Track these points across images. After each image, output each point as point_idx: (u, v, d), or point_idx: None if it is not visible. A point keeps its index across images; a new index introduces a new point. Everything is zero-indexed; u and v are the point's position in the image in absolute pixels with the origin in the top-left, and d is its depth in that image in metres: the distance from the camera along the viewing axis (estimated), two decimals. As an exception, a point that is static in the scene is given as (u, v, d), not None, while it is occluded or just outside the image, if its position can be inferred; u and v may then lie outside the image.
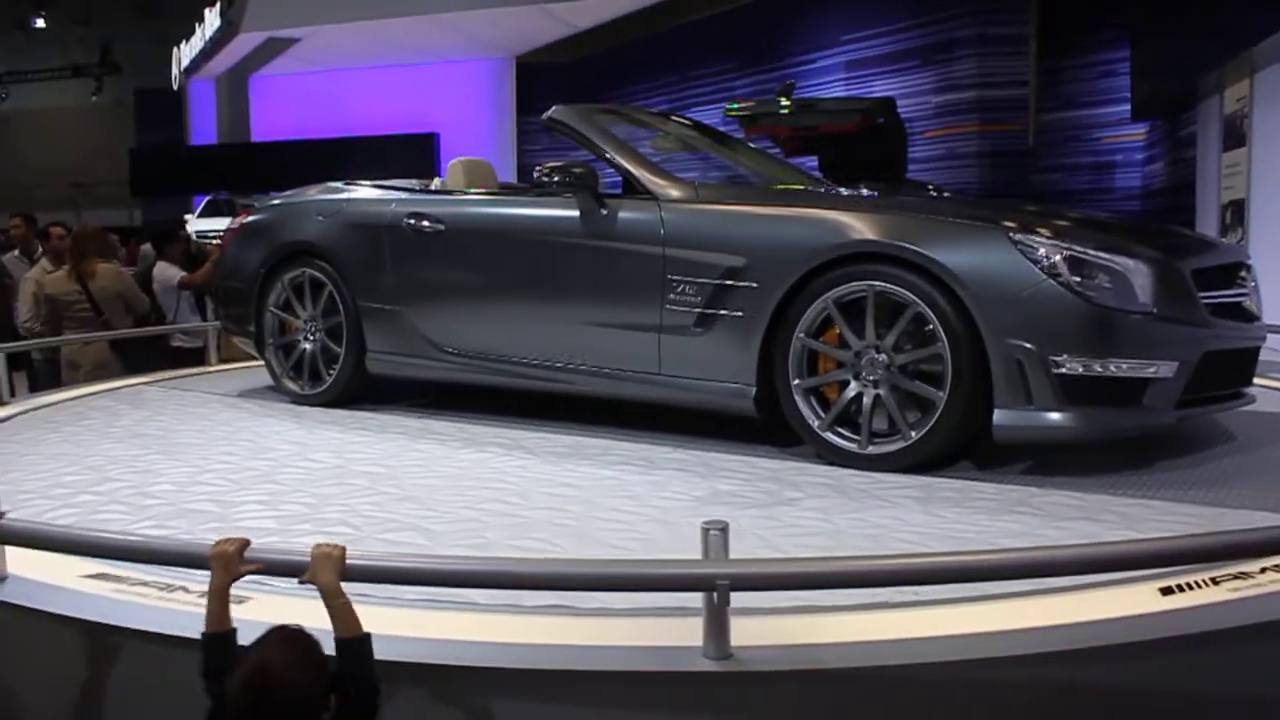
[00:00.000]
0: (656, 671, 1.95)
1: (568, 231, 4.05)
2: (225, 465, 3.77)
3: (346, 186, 4.94)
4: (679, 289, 3.76)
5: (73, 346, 6.38)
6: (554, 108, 4.35)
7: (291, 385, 4.93)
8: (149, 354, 6.67)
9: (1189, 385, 3.39)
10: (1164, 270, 3.37)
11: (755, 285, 3.62)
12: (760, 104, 10.13)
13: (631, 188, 4.02)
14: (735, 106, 10.28)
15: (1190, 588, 2.27)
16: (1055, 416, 3.26)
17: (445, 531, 2.90)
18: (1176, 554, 2.08)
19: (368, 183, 4.96)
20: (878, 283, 3.43)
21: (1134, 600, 2.20)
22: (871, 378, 3.47)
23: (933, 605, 2.18)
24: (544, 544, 2.76)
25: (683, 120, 5.45)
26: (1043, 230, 3.38)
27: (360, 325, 4.65)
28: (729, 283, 3.67)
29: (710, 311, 3.70)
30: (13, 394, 5.26)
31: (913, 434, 3.40)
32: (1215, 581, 2.29)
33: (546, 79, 19.91)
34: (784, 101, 9.84)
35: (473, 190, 4.74)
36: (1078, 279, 3.26)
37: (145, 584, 2.34)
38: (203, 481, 3.56)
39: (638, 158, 4.08)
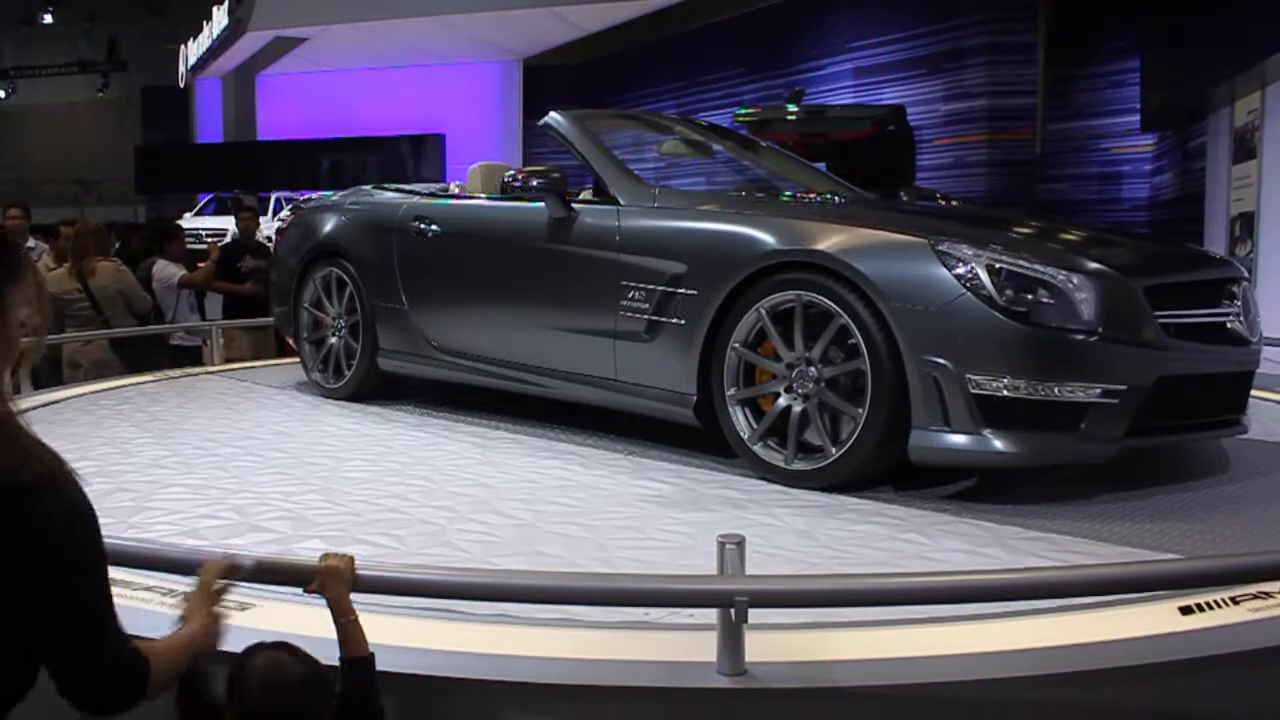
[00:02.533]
0: (669, 687, 1.92)
1: (538, 236, 4.11)
2: (197, 451, 3.95)
3: (374, 190, 5.15)
4: (631, 295, 3.74)
5: (73, 345, 6.34)
6: (550, 114, 4.39)
7: (319, 379, 5.13)
8: (148, 353, 6.63)
9: (1147, 412, 3.14)
10: (1111, 286, 3.12)
11: (695, 293, 3.57)
12: (769, 110, 10.15)
13: (600, 193, 4.06)
14: (744, 112, 10.29)
15: (1210, 607, 2.23)
16: (973, 440, 3.06)
17: (318, 522, 3.03)
18: (1192, 576, 2.05)
19: (392, 187, 5.17)
20: (805, 293, 3.32)
21: (1153, 620, 2.17)
22: (802, 391, 3.36)
23: (950, 623, 2.14)
24: (395, 542, 2.84)
25: (701, 125, 5.43)
26: (970, 241, 3.18)
27: (374, 323, 4.79)
28: (673, 290, 3.63)
29: (657, 318, 3.67)
30: (17, 390, 5.27)
31: (834, 451, 3.28)
32: (1235, 601, 2.25)
33: (554, 82, 19.90)
34: (792, 108, 9.84)
35: (467, 194, 4.86)
36: (1008, 293, 3.06)
37: (149, 589, 2.30)
38: (163, 465, 3.72)
39: (609, 163, 4.08)
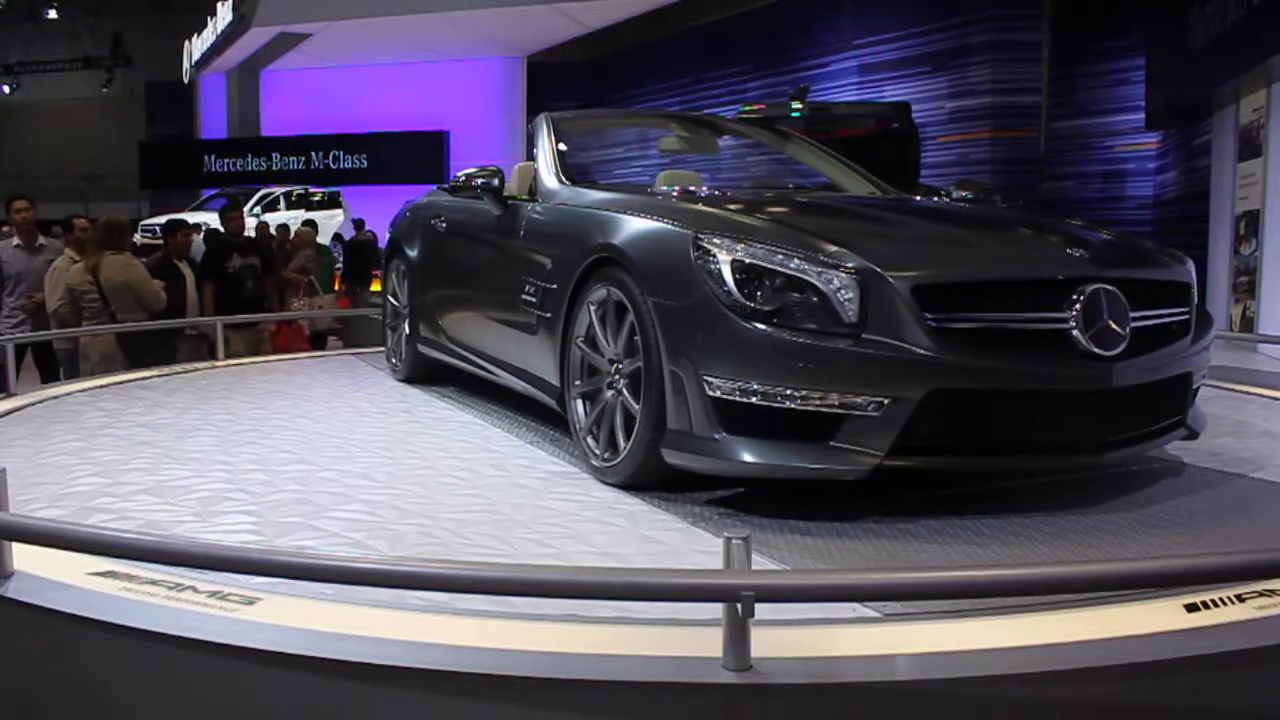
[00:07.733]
0: (674, 682, 1.92)
1: (485, 232, 4.34)
2: (198, 422, 4.26)
3: (437, 191, 5.44)
4: (526, 288, 3.82)
5: (83, 338, 6.43)
6: (540, 115, 4.51)
7: (388, 358, 5.56)
8: (153, 347, 6.66)
9: (923, 428, 2.79)
10: (873, 284, 2.79)
11: (555, 287, 3.61)
12: (773, 107, 10.12)
13: (531, 191, 4.16)
14: (747, 109, 10.28)
15: (1215, 604, 2.23)
16: (712, 445, 2.88)
17: (171, 485, 3.24)
18: (1199, 573, 2.04)
19: (448, 187, 5.44)
20: (612, 288, 3.26)
21: (1159, 617, 2.16)
22: (616, 387, 3.29)
23: (956, 618, 2.14)
24: (171, 507, 2.98)
25: (721, 121, 5.50)
26: (730, 233, 2.98)
27: (416, 312, 5.12)
28: (546, 284, 3.68)
29: (538, 311, 3.74)
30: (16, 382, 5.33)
31: (624, 447, 3.20)
32: (1240, 599, 2.25)
33: (558, 78, 19.93)
34: (797, 105, 9.83)
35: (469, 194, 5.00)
36: (755, 291, 2.85)
37: (154, 583, 2.30)
38: (152, 427, 4.04)
39: (546, 161, 4.17)
